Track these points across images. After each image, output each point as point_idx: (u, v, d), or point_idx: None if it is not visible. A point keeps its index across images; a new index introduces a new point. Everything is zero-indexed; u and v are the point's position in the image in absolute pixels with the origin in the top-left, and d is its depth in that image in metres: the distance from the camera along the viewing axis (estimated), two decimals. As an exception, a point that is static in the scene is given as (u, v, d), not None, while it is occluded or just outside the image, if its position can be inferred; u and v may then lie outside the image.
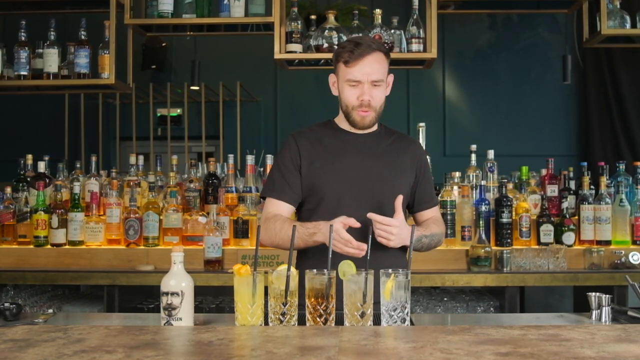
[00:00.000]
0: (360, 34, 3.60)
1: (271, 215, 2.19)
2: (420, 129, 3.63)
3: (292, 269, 1.77)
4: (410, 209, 2.35)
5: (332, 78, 2.25)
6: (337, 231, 1.94)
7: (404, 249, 2.20)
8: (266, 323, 1.79)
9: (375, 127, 2.28)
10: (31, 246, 3.45)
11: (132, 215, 3.41)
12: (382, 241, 2.02)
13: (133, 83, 4.20)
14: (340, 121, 2.28)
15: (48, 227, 3.43)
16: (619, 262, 3.31)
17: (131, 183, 3.56)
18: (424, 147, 3.59)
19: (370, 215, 2.00)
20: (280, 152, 2.30)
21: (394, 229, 2.01)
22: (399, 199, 2.09)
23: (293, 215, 2.30)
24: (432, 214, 2.35)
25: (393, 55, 3.62)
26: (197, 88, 5.57)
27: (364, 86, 2.15)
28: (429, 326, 1.92)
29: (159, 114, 6.20)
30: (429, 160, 3.53)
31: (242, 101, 5.90)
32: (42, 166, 3.69)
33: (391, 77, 2.25)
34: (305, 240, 2.08)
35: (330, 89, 2.26)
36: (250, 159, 3.53)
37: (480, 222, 3.34)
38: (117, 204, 3.47)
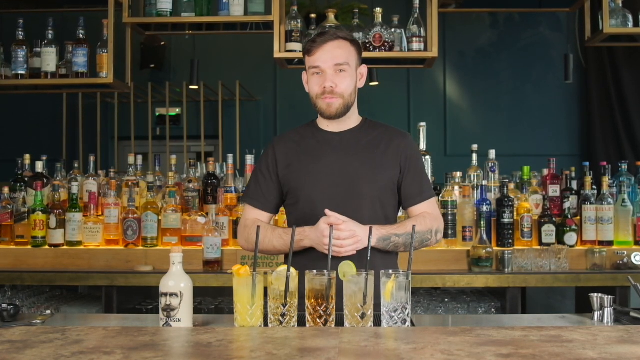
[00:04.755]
0: (360, 33, 3.59)
1: (250, 222, 2.19)
2: (421, 129, 3.62)
3: (292, 270, 1.75)
4: (402, 205, 2.23)
5: (304, 76, 2.21)
6: (324, 232, 1.92)
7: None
8: (266, 324, 1.78)
9: (356, 122, 2.22)
10: (29, 247, 3.43)
11: (130, 216, 3.40)
12: (336, 251, 1.95)
13: (131, 82, 4.18)
14: (320, 120, 2.23)
15: (46, 228, 3.42)
16: (621, 262, 3.30)
17: (130, 183, 3.55)
18: (424, 147, 3.60)
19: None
20: (260, 158, 2.29)
21: (342, 234, 1.95)
22: (327, 211, 1.99)
23: (273, 221, 2.29)
24: (424, 208, 2.18)
25: (394, 54, 3.64)
26: (196, 87, 5.54)
27: (326, 73, 2.10)
28: (429, 327, 1.91)
29: (157, 114, 6.19)
30: (428, 158, 3.56)
31: (242, 100, 5.88)
32: (39, 166, 3.67)
33: (364, 69, 2.20)
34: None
35: (305, 87, 2.21)
36: (249, 159, 3.52)
37: (482, 223, 3.32)
38: (115, 204, 3.45)
